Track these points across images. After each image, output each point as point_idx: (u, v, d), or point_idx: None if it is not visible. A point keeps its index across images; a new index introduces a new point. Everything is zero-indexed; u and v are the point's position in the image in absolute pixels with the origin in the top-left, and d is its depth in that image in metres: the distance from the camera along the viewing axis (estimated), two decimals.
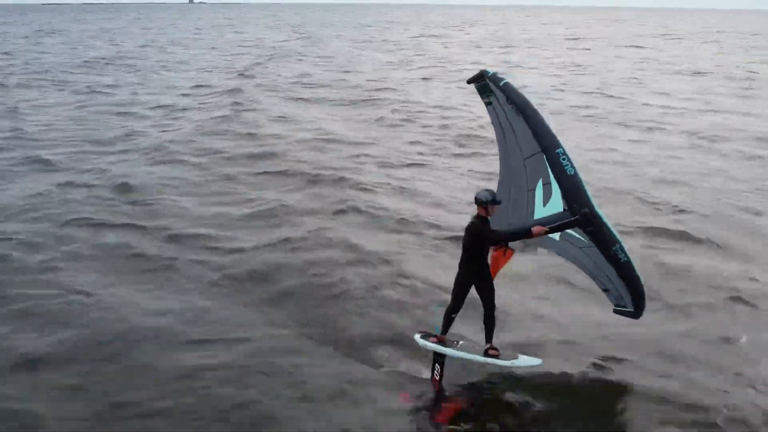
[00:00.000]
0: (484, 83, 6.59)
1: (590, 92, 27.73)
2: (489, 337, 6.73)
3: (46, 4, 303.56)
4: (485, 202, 6.35)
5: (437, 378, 6.73)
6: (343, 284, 8.93)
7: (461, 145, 18.10)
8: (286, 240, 10.59)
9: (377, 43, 57.71)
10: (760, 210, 12.40)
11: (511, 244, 6.53)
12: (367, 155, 16.63)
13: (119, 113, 22.33)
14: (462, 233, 6.59)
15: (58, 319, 7.88)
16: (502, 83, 6.42)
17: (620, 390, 6.75)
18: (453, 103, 24.73)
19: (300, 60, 41.76)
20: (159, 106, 23.78)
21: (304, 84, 30.15)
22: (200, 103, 24.61)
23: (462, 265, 6.57)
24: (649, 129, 20.29)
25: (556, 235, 6.78)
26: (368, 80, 31.31)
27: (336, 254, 9.94)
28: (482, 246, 6.46)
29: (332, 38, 64.16)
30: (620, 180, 14.22)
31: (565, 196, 6.23)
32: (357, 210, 12.19)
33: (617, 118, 22.06)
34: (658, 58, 43.95)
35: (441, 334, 6.76)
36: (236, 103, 23.84)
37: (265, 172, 14.98)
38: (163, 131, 19.45)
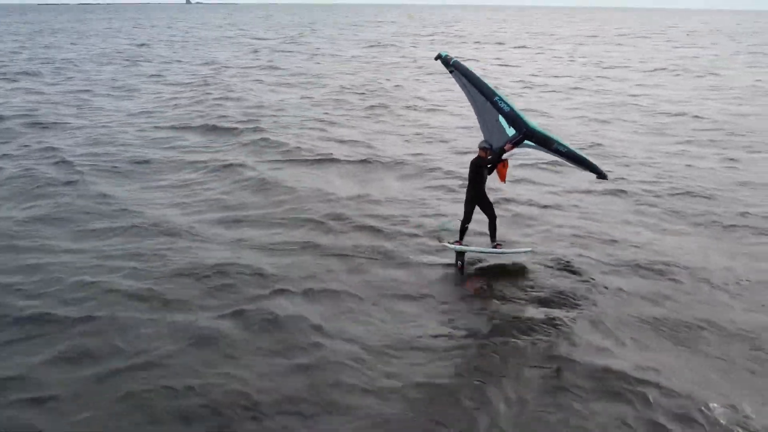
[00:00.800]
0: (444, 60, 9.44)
1: (495, 78, 32.84)
2: (493, 237, 9.60)
3: (43, 4, 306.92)
4: (486, 149, 9.18)
5: (461, 267, 9.51)
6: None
7: (351, 110, 23.52)
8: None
9: (353, 41, 62.67)
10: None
11: (504, 156, 9.31)
12: (282, 118, 21.98)
13: (97, 94, 27.49)
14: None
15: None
16: (452, 61, 9.35)
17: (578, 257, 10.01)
18: (373, 87, 29.72)
19: (271, 55, 46.43)
20: (133, 90, 28.68)
21: (266, 71, 35.31)
22: (171, 88, 29.71)
23: (468, 190, 9.30)
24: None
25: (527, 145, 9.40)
26: (315, 67, 36.89)
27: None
28: (482, 176, 9.15)
29: (313, 36, 68.77)
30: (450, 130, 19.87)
31: (509, 123, 9.15)
32: (266, 142, 17.99)
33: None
34: (586, 54, 48.63)
35: (459, 240, 9.62)
36: (202, 85, 29.28)
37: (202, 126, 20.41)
38: (134, 104, 24.61)
